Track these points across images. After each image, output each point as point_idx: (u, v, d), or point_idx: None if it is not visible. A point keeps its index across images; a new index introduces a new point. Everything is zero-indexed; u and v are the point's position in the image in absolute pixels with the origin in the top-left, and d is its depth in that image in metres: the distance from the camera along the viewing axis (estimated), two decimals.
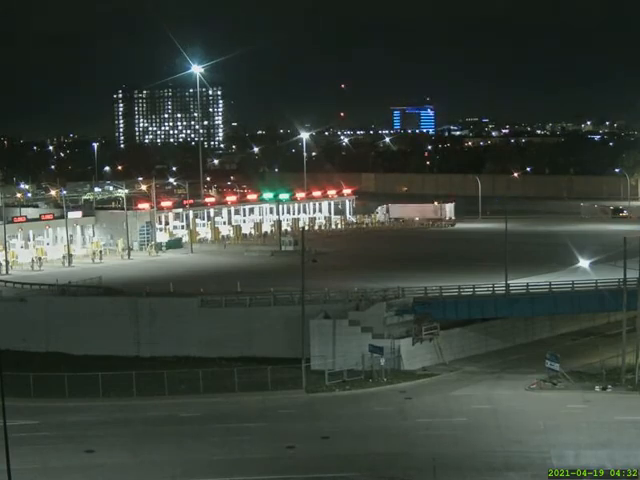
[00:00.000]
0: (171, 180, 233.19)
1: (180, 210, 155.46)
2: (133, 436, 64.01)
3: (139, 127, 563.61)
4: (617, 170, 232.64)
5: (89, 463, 58.89)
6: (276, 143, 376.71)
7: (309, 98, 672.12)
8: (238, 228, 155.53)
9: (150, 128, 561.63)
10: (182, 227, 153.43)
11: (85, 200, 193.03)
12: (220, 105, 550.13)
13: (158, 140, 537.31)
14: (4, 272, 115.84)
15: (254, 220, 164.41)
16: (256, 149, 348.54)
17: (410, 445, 61.37)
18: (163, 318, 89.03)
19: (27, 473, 54.17)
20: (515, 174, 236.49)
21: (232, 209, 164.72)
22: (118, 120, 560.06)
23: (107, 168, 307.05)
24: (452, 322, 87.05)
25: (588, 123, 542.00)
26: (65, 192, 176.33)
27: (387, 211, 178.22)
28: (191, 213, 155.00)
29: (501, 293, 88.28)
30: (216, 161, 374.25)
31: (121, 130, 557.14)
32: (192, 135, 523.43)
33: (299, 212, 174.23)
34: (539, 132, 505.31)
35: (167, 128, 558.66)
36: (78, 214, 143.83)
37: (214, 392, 74.12)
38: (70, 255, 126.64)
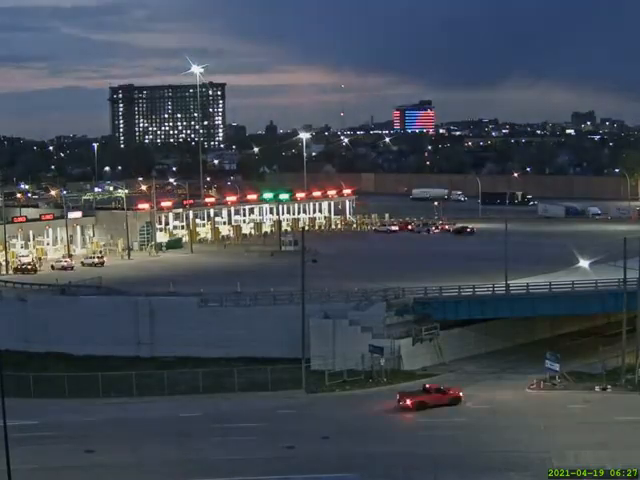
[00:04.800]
0: (171, 180, 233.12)
1: (180, 210, 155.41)
2: (133, 436, 64.00)
3: (139, 127, 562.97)
4: (617, 170, 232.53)
5: (89, 463, 58.88)
6: (276, 143, 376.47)
7: (311, 97, 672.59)
8: (238, 228, 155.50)
9: (150, 128, 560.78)
10: (182, 227, 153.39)
11: (85, 200, 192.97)
12: (220, 105, 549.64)
13: (158, 140, 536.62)
14: (4, 272, 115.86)
15: (254, 220, 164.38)
16: (256, 149, 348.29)
17: (410, 445, 61.40)
18: (163, 318, 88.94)
19: (27, 473, 54.14)
20: (515, 174, 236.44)
21: (232, 209, 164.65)
22: (118, 120, 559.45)
23: (107, 168, 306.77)
24: (452, 322, 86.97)
25: (588, 123, 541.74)
26: (65, 192, 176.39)
27: None
28: (191, 213, 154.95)
29: (501, 293, 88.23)
30: (216, 161, 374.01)
31: (121, 130, 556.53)
32: (192, 135, 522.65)
33: (299, 212, 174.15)
34: (539, 132, 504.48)
35: (167, 128, 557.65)
36: (78, 214, 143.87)
37: (214, 392, 74.10)
38: (70, 255, 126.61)
